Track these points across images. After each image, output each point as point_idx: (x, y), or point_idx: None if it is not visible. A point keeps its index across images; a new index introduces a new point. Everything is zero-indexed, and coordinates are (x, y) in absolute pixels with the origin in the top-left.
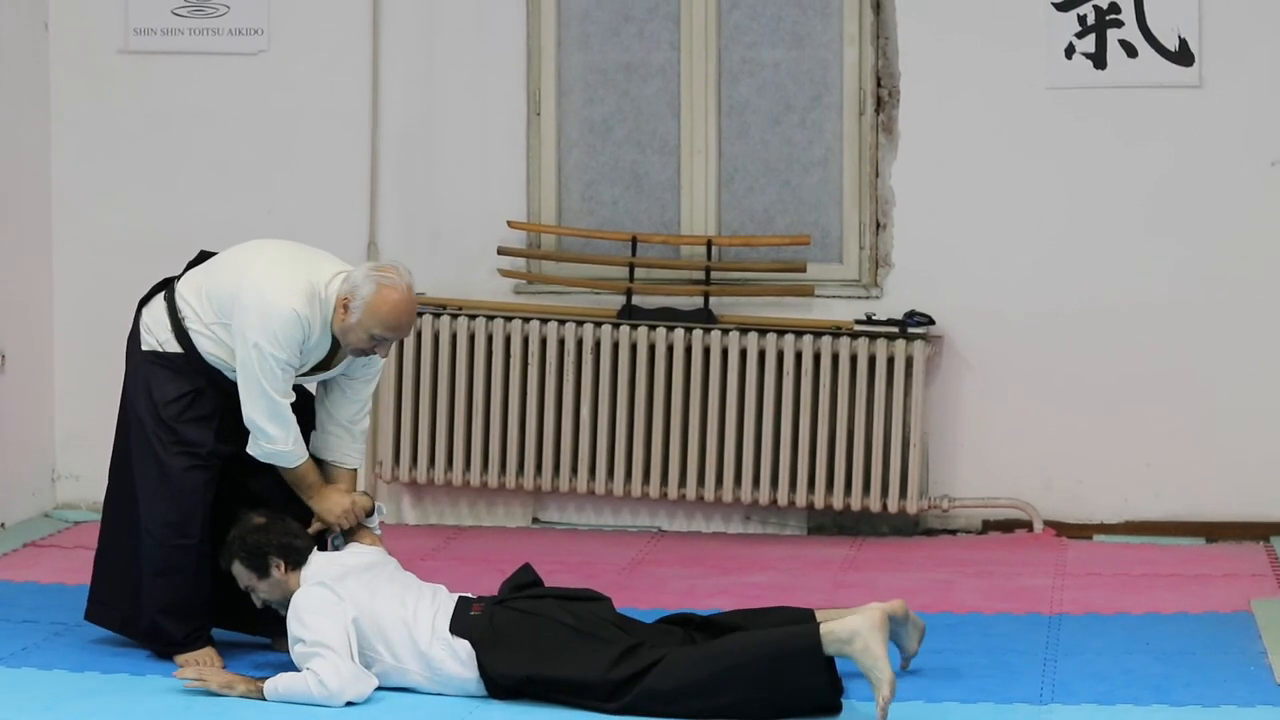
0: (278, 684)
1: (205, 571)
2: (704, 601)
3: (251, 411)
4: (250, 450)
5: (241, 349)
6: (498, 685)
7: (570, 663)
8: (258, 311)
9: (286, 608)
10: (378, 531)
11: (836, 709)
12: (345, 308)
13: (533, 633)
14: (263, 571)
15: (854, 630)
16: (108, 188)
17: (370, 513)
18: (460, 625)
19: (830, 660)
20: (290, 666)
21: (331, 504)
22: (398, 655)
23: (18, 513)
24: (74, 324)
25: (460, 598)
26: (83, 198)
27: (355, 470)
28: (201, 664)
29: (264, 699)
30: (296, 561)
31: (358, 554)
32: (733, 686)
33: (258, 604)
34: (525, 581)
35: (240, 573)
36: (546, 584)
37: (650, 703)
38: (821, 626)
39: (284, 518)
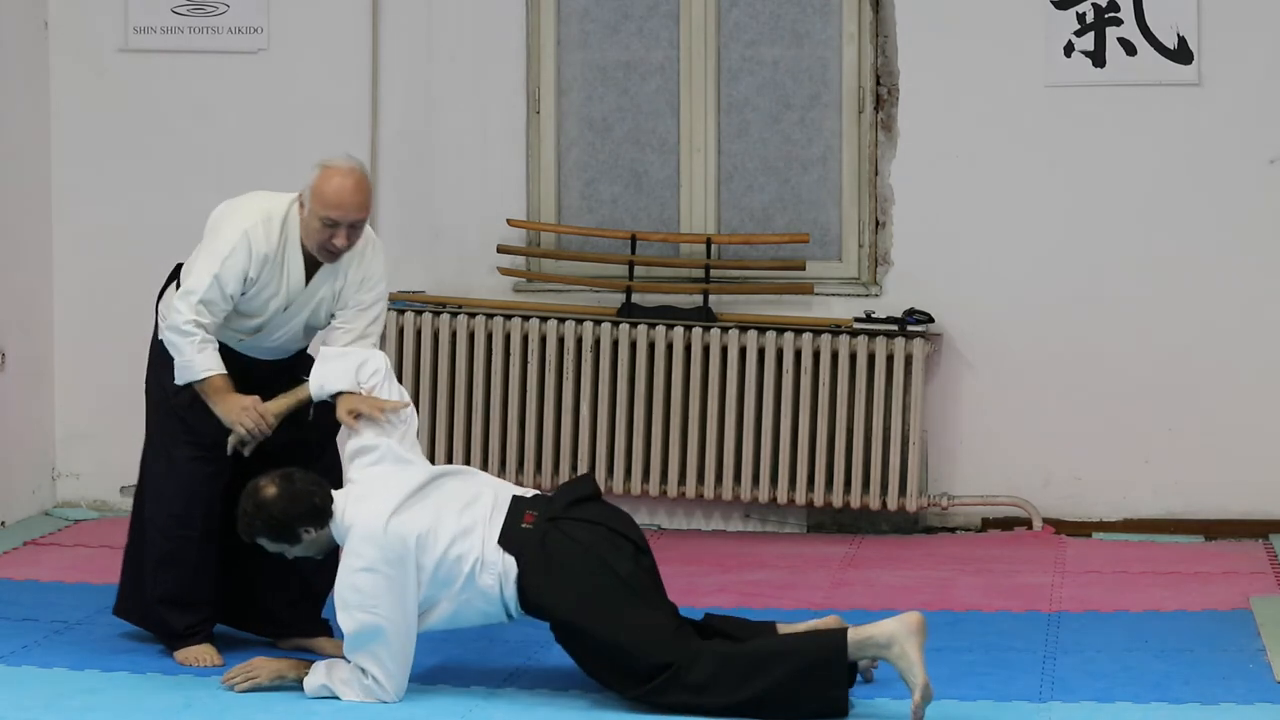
0: (325, 681)
1: (208, 564)
2: (704, 599)
3: (164, 325)
4: (176, 377)
5: (187, 264)
6: (532, 608)
7: (619, 627)
8: (213, 229)
9: (323, 555)
10: (368, 387)
11: (844, 712)
12: (302, 205)
13: (584, 573)
14: (294, 540)
15: (891, 636)
16: (108, 187)
17: (306, 404)
18: (510, 538)
19: (852, 666)
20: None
21: (227, 406)
22: (437, 593)
23: (18, 511)
24: (74, 323)
25: (514, 498)
26: (83, 197)
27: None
28: (201, 660)
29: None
30: (322, 519)
31: (381, 470)
32: (756, 686)
33: (289, 557)
34: (583, 495)
35: (267, 544)
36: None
37: (678, 692)
38: (858, 630)
39: (291, 476)
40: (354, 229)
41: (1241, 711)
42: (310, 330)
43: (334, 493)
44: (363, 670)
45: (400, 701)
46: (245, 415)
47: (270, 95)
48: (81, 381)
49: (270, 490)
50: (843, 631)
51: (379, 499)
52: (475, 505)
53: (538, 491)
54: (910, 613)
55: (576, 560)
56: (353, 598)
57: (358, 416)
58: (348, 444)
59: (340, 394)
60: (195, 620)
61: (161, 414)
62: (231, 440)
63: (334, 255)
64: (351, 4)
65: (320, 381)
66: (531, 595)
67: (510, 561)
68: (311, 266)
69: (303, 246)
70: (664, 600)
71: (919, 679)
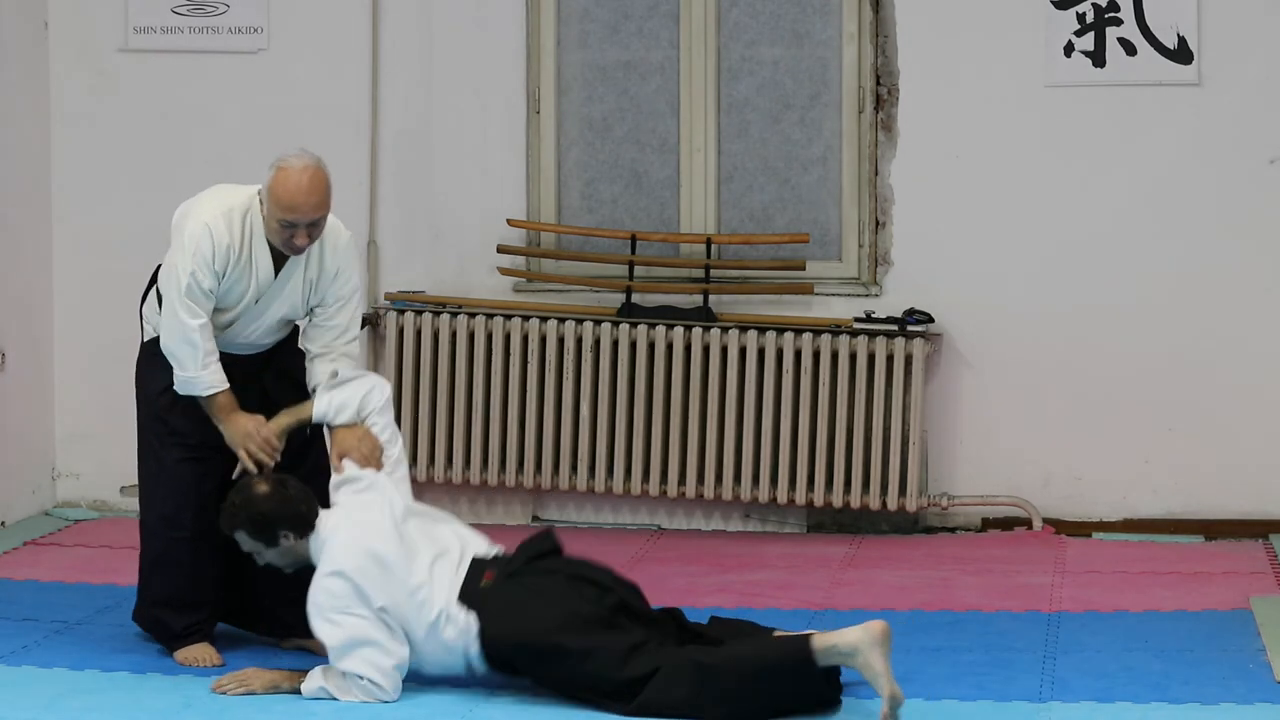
0: (323, 684)
1: (204, 564)
2: (704, 599)
3: (164, 338)
4: (176, 387)
5: (161, 274)
6: (496, 659)
7: (572, 662)
8: (176, 230)
9: (294, 568)
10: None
11: (836, 704)
12: (262, 203)
13: (536, 620)
14: (271, 541)
15: (855, 645)
16: (108, 187)
17: (306, 426)
18: (469, 594)
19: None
20: (293, 663)
21: (234, 429)
22: (408, 640)
23: (18, 511)
24: (74, 323)
25: (474, 560)
26: (83, 197)
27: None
28: (200, 660)
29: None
30: (304, 530)
31: (364, 499)
32: (730, 699)
33: (259, 563)
34: (544, 550)
35: (245, 540)
36: (580, 559)
37: (663, 705)
38: (821, 639)
39: (285, 481)
40: (314, 227)
41: (1241, 711)
42: (286, 323)
43: (321, 510)
44: (358, 675)
45: (400, 701)
46: (250, 442)
47: (270, 95)
48: (81, 381)
49: (262, 488)
50: (807, 637)
51: (356, 524)
52: (445, 557)
53: (498, 551)
54: (875, 621)
55: (533, 604)
56: (325, 600)
57: (342, 458)
58: (333, 472)
59: (339, 428)
60: (193, 620)
61: (148, 417)
62: (238, 470)
63: (298, 251)
64: (351, 4)
65: (325, 409)
66: (491, 646)
67: (471, 617)
68: (280, 257)
69: (268, 239)
70: (635, 623)
71: (886, 689)
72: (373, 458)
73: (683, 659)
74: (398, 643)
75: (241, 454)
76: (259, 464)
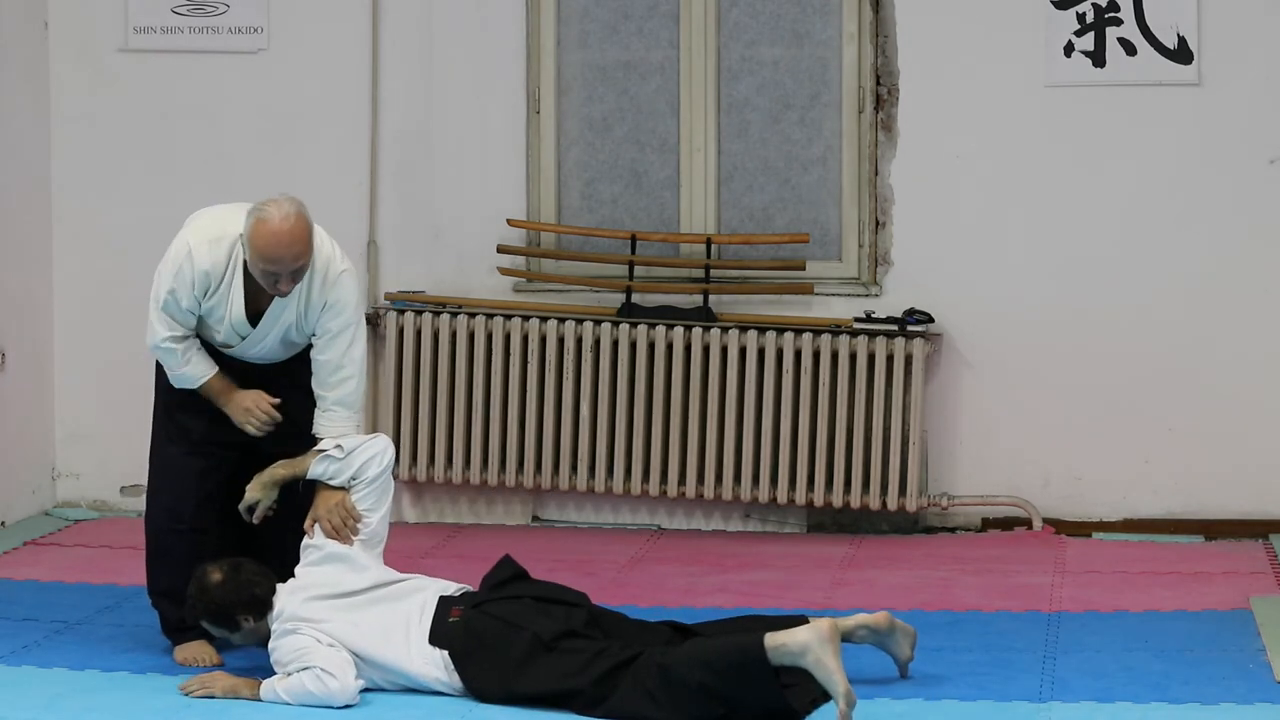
0: (275, 687)
1: (202, 559)
2: (704, 599)
3: (150, 348)
4: (172, 383)
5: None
6: (478, 692)
7: (542, 678)
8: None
9: (265, 645)
10: (333, 481)
11: (790, 713)
12: (244, 244)
13: (505, 645)
14: (233, 627)
15: (805, 644)
16: (108, 187)
17: (296, 480)
18: (439, 634)
19: (778, 671)
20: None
21: (234, 409)
22: (383, 679)
23: (18, 511)
24: (74, 323)
25: (440, 599)
26: (83, 197)
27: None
28: (199, 659)
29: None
30: (262, 610)
31: (322, 570)
32: (688, 699)
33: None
34: (506, 577)
35: (211, 629)
36: (545, 582)
37: (626, 713)
38: (771, 638)
39: (240, 566)
40: (295, 274)
41: (1241, 711)
42: (290, 344)
43: (278, 585)
44: (304, 666)
45: (400, 701)
46: (250, 418)
47: (270, 95)
48: (81, 381)
49: (216, 576)
50: (761, 635)
51: (310, 593)
52: (392, 637)
53: (465, 588)
54: (822, 619)
55: (500, 635)
56: (284, 656)
57: (314, 523)
58: (302, 539)
59: (322, 488)
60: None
61: (160, 409)
62: (241, 507)
63: (284, 294)
64: (351, 4)
65: (320, 472)
66: (469, 685)
67: (443, 655)
68: (264, 296)
69: (249, 276)
70: (608, 636)
71: (840, 686)
72: (341, 530)
73: (647, 661)
74: (344, 650)
75: (247, 429)
76: (260, 431)
